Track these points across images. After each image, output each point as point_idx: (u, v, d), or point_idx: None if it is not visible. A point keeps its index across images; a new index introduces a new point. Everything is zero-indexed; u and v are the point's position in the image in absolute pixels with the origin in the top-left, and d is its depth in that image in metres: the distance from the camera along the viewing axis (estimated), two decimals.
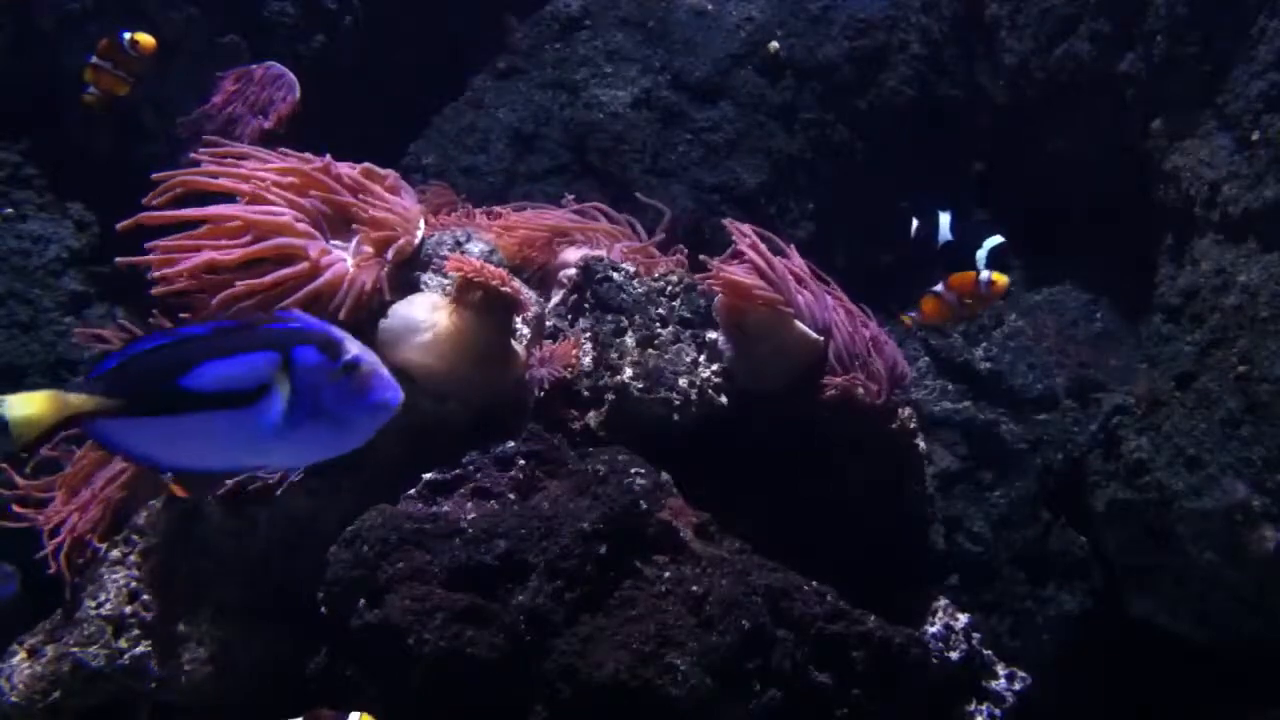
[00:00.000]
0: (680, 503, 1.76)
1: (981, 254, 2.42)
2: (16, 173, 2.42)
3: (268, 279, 1.71)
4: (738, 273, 1.87)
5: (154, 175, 1.79)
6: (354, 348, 1.25)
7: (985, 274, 2.31)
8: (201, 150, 1.85)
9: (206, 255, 1.74)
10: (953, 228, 2.49)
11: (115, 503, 1.87)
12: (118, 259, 1.76)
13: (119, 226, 1.75)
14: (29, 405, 1.21)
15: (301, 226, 1.79)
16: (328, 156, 1.90)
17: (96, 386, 1.22)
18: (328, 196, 1.86)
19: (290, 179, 1.84)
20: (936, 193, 2.56)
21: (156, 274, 1.74)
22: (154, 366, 1.23)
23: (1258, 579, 2.00)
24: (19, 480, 1.90)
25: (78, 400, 1.22)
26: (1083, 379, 2.47)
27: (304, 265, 1.74)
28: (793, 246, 2.02)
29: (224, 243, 1.76)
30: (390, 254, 1.84)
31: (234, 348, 1.24)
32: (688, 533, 1.72)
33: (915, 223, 2.53)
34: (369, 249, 1.84)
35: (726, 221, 1.96)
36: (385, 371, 1.26)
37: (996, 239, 2.43)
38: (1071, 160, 2.63)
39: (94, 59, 2.28)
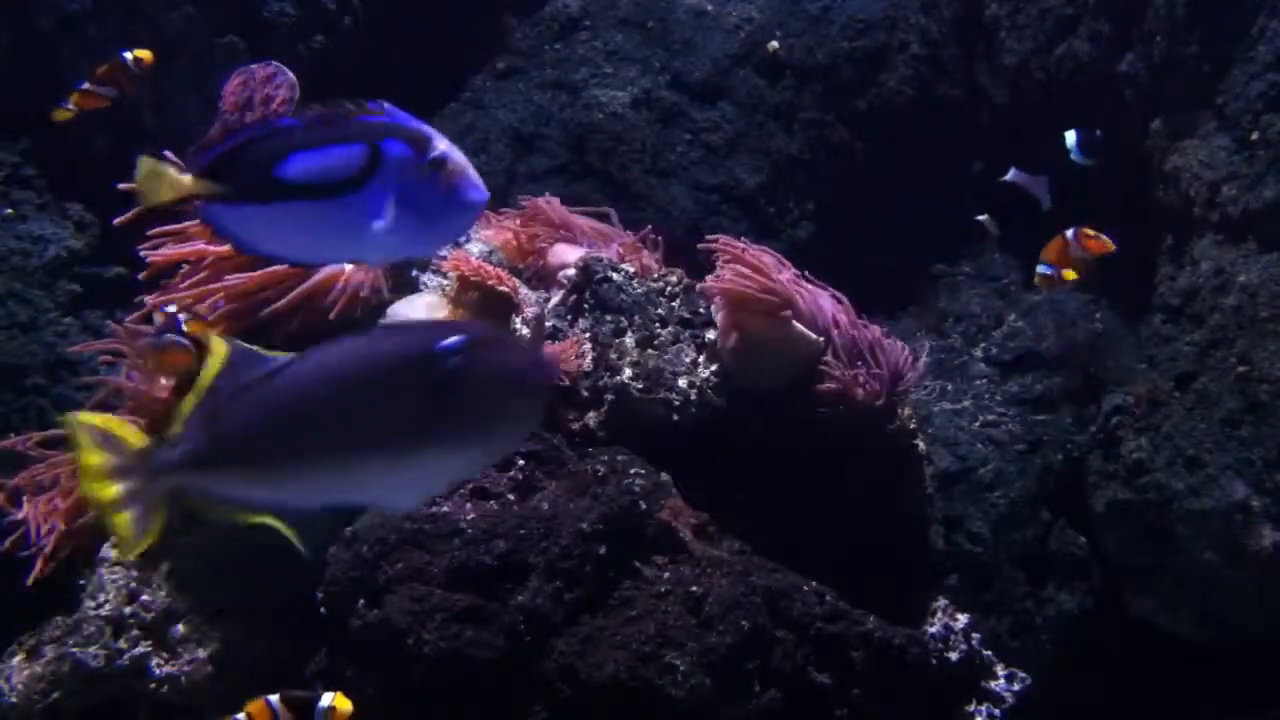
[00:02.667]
0: (679, 503, 1.76)
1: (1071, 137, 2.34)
2: (16, 173, 2.42)
3: (257, 274, 1.72)
4: (736, 276, 1.87)
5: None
6: (442, 144, 1.26)
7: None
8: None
9: (198, 245, 1.74)
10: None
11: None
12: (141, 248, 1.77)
13: (116, 222, 1.76)
14: (155, 176, 1.23)
15: None
16: None
17: (203, 171, 1.24)
18: None
19: None
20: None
21: (145, 253, 1.75)
22: (251, 156, 1.25)
23: (1258, 579, 2.00)
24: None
25: (189, 182, 1.23)
26: (1082, 379, 2.47)
27: None
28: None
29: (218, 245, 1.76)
30: None
31: (325, 139, 1.25)
32: (687, 533, 1.72)
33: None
34: None
35: (708, 238, 1.93)
36: (473, 171, 1.26)
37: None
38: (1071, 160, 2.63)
39: (86, 85, 2.24)
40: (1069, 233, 2.26)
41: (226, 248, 1.75)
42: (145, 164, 1.22)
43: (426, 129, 1.26)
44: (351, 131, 1.25)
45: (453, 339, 1.10)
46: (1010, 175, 2.37)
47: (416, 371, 1.10)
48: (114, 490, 1.11)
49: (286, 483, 1.13)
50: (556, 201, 2.13)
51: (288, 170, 1.24)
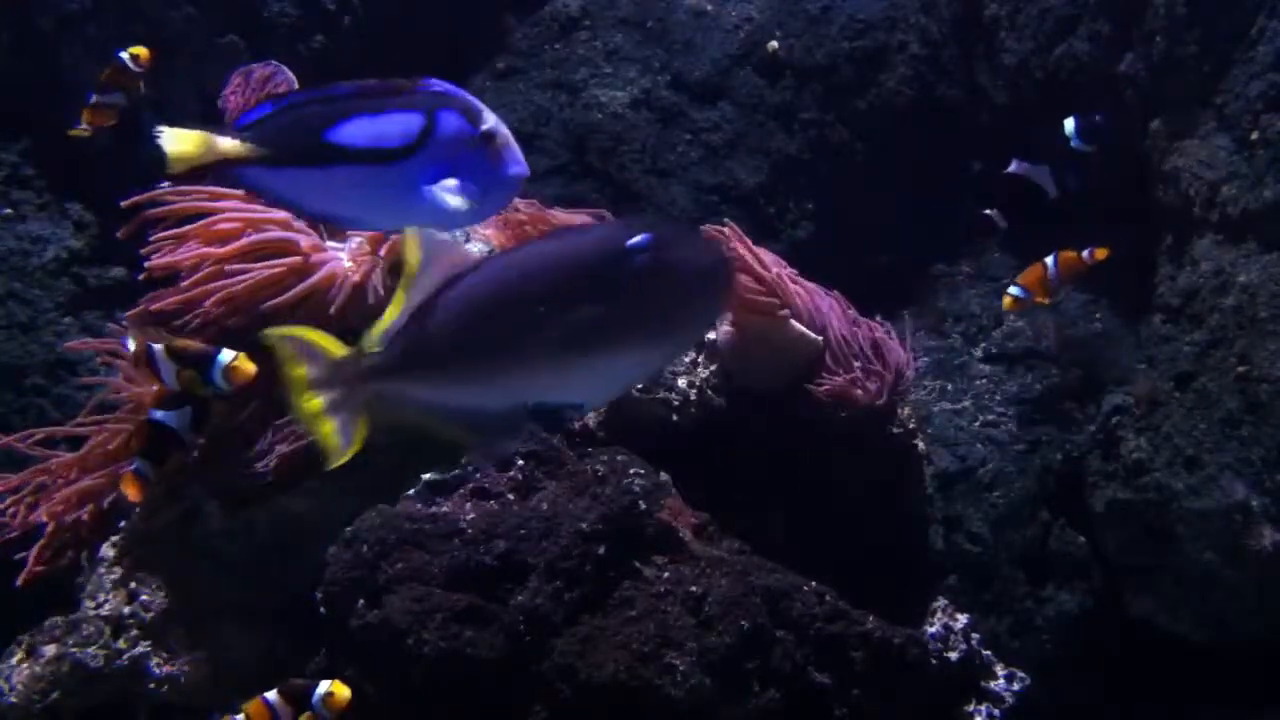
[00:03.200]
0: (679, 503, 1.76)
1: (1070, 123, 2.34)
2: (16, 173, 2.42)
3: (254, 270, 1.72)
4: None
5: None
6: (491, 118, 1.29)
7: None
8: None
9: (199, 250, 1.74)
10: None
11: (105, 500, 1.86)
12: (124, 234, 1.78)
13: (124, 203, 1.77)
14: (182, 142, 1.24)
15: (298, 224, 1.79)
16: None
17: (245, 135, 1.25)
18: None
19: None
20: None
21: (148, 257, 1.76)
22: (301, 119, 1.27)
23: (1257, 579, 2.00)
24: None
25: (228, 145, 1.25)
26: (1082, 379, 2.47)
27: (296, 259, 1.74)
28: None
29: (218, 248, 1.76)
30: (385, 250, 1.84)
31: (379, 106, 1.27)
32: (687, 533, 1.72)
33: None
34: (366, 247, 1.84)
35: (710, 227, 1.94)
36: (517, 147, 1.29)
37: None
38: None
39: (94, 98, 2.24)
40: (1049, 260, 2.28)
41: (227, 249, 1.75)
42: (173, 131, 1.23)
43: (477, 102, 1.29)
44: (407, 100, 1.28)
45: (639, 237, 1.11)
46: (1013, 167, 2.37)
47: (605, 270, 1.11)
48: (318, 401, 1.13)
49: (481, 386, 1.14)
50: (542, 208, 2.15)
51: (340, 135, 1.26)
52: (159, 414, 1.71)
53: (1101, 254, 2.29)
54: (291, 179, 1.27)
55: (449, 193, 1.27)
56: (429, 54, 2.94)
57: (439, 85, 1.30)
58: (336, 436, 1.13)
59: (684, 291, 1.13)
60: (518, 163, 1.29)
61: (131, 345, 1.74)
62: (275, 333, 1.14)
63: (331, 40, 2.78)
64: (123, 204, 1.80)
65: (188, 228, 1.79)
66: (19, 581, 1.82)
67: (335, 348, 1.14)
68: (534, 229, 2.09)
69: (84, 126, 2.19)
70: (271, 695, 1.55)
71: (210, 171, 1.30)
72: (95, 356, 2.15)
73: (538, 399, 1.15)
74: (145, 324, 1.85)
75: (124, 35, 2.31)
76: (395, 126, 1.28)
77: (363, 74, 1.40)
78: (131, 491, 1.73)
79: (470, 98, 1.29)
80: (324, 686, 1.52)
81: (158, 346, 1.68)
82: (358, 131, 1.27)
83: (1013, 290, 2.31)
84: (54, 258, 2.35)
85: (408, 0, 2.94)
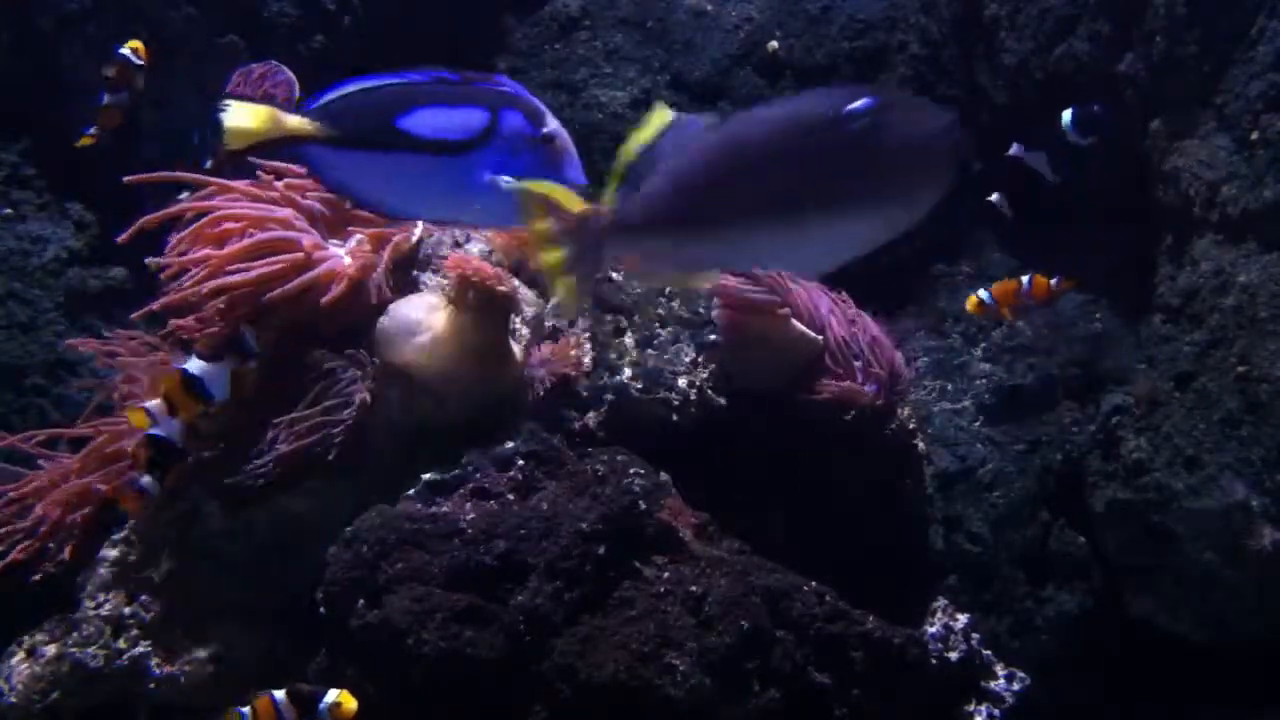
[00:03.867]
0: (679, 503, 1.76)
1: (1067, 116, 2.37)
2: (16, 173, 2.41)
3: (256, 266, 1.72)
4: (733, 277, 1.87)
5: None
6: (553, 122, 1.33)
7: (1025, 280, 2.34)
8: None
9: (202, 253, 1.75)
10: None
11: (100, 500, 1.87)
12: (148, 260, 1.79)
13: (127, 179, 1.77)
14: (247, 116, 1.25)
15: (300, 224, 1.80)
16: None
17: (313, 114, 1.27)
18: (325, 195, 1.86)
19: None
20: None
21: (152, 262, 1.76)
22: (372, 103, 1.29)
23: (1257, 579, 2.00)
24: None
25: (294, 123, 1.26)
26: (1082, 379, 2.47)
27: (297, 255, 1.75)
28: None
29: (220, 250, 1.77)
30: (387, 250, 1.84)
31: (449, 99, 1.30)
32: (687, 533, 1.72)
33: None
34: (367, 246, 1.84)
35: None
36: (575, 153, 1.35)
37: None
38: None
39: (105, 99, 2.23)
40: (1024, 279, 2.33)
41: (228, 251, 1.75)
42: (240, 104, 1.25)
43: (541, 105, 1.32)
44: (474, 95, 1.30)
45: (863, 101, 1.13)
46: (1012, 150, 2.39)
47: (832, 133, 1.13)
48: (558, 254, 1.16)
49: (710, 246, 1.17)
50: None
51: (410, 123, 1.28)
52: (156, 429, 1.72)
53: (1068, 285, 2.38)
54: (355, 161, 1.28)
55: (507, 186, 1.29)
56: (429, 54, 2.94)
57: (508, 85, 1.33)
58: (572, 290, 1.17)
59: (909, 156, 1.14)
60: (575, 168, 1.34)
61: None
62: (524, 187, 1.17)
63: (331, 40, 2.78)
64: (125, 179, 1.80)
65: (192, 228, 1.79)
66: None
67: (578, 204, 1.17)
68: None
69: (94, 131, 2.21)
70: (279, 694, 1.54)
71: (274, 148, 1.30)
72: (95, 357, 2.15)
73: (760, 261, 1.24)
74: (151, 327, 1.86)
75: (124, 35, 2.31)
76: (461, 120, 1.30)
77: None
78: (133, 507, 1.74)
79: (535, 100, 1.33)
80: (331, 695, 1.52)
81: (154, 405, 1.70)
82: (425, 121, 1.29)
83: (981, 294, 2.38)
84: (54, 258, 2.35)
85: (408, 0, 2.94)
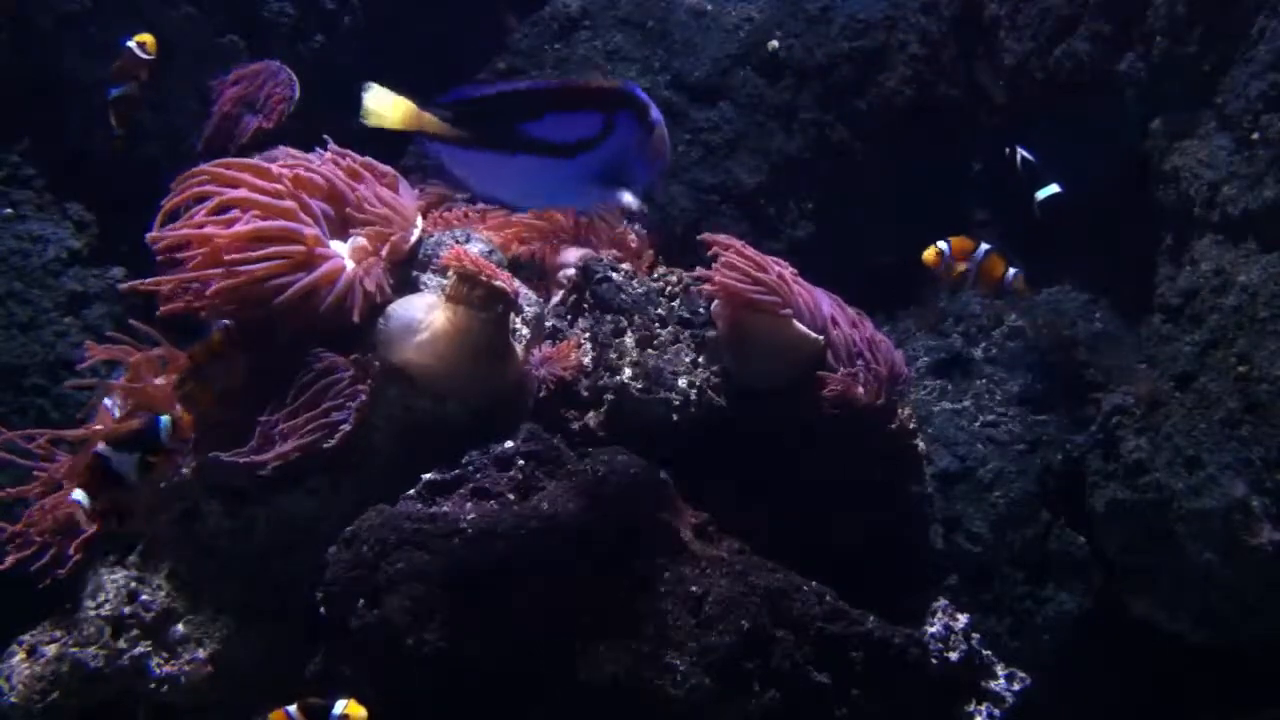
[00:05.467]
0: (679, 503, 1.76)
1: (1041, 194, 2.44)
2: (16, 173, 2.41)
3: (260, 257, 1.73)
4: (734, 276, 1.87)
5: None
6: (655, 113, 1.45)
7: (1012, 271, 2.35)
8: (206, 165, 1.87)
9: (204, 231, 1.75)
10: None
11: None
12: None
13: (165, 197, 1.81)
14: (387, 104, 1.37)
15: (304, 216, 1.80)
16: (326, 154, 1.91)
17: (446, 113, 1.38)
18: (331, 191, 1.86)
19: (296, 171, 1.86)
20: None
21: (153, 238, 1.77)
22: (503, 107, 1.41)
23: (1257, 579, 2.00)
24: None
25: (429, 120, 1.37)
26: (1082, 379, 2.47)
27: (299, 249, 1.75)
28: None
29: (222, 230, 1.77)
30: (385, 250, 1.84)
31: (572, 103, 1.42)
32: (687, 533, 1.72)
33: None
34: (367, 246, 1.84)
35: (705, 236, 1.93)
36: (668, 145, 1.48)
37: (1054, 188, 2.45)
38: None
39: (115, 92, 2.24)
40: (984, 247, 2.37)
41: (230, 232, 1.75)
42: (383, 91, 1.35)
43: (645, 97, 1.44)
44: (593, 99, 1.43)
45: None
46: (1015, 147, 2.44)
47: None
48: None
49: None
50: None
51: (536, 127, 1.40)
52: (108, 452, 1.71)
53: (1022, 286, 2.37)
54: (479, 161, 1.39)
55: (624, 194, 1.45)
56: (429, 54, 2.95)
57: (626, 86, 1.44)
58: None
59: None
60: (667, 148, 1.48)
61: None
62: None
63: (331, 40, 2.78)
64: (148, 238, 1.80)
65: (191, 230, 1.79)
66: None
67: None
68: (536, 229, 2.09)
69: (119, 134, 2.23)
70: (292, 709, 1.54)
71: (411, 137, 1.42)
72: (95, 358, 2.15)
73: None
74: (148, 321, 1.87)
75: (124, 35, 2.31)
76: (581, 123, 1.41)
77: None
78: (87, 525, 1.75)
79: (643, 96, 1.44)
80: (340, 707, 1.52)
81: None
82: (548, 125, 1.40)
83: (940, 245, 2.38)
84: (54, 258, 2.35)
85: (407, 0, 2.94)
